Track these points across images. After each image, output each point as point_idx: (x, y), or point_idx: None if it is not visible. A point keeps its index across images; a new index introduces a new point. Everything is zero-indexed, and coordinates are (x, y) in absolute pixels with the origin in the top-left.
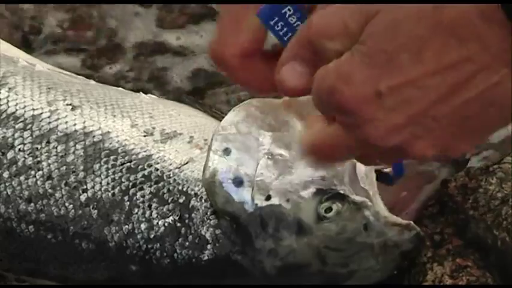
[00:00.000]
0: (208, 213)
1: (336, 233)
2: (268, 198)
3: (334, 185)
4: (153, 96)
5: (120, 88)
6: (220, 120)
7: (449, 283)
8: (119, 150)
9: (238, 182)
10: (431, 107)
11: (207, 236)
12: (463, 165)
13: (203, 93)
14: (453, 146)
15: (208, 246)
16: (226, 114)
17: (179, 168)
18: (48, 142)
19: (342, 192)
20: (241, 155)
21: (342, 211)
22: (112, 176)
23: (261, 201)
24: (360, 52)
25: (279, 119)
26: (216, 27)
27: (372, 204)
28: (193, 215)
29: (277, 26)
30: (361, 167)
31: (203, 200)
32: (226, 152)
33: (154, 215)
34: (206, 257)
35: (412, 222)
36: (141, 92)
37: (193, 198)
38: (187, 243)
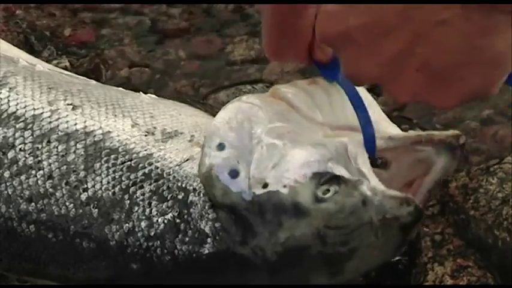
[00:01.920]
0: (207, 207)
1: (335, 211)
2: (265, 186)
3: (329, 167)
4: (153, 96)
5: (120, 88)
6: None
7: (450, 283)
8: (120, 150)
9: (234, 174)
10: None
11: (207, 229)
12: (460, 154)
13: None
14: None
15: (208, 240)
16: None
17: (179, 165)
18: (49, 142)
19: (338, 174)
20: (235, 148)
21: (339, 191)
22: (112, 175)
23: (258, 190)
24: None
25: (270, 111)
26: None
27: (369, 180)
28: (191, 210)
29: None
30: (352, 150)
31: (201, 195)
32: (220, 147)
33: (154, 212)
34: (207, 251)
35: (410, 195)
36: (141, 92)
37: (192, 194)
38: (187, 239)
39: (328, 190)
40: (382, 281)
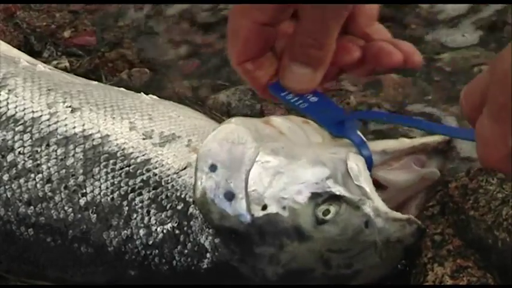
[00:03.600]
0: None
1: (337, 234)
2: (265, 207)
3: (328, 187)
4: (153, 97)
5: (121, 88)
6: (220, 123)
7: (450, 283)
8: (118, 154)
9: (229, 196)
10: None
11: (206, 244)
12: (451, 155)
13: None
14: None
15: (208, 255)
16: (225, 116)
17: (177, 173)
18: (47, 145)
19: (337, 193)
20: (227, 168)
21: (340, 212)
22: (111, 181)
23: (257, 212)
24: (485, 112)
25: (260, 132)
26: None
27: (371, 200)
28: (192, 222)
29: (289, 96)
30: (353, 165)
31: None
32: (212, 168)
33: (152, 221)
34: (205, 265)
35: (412, 216)
36: (142, 93)
37: (192, 206)
38: (186, 251)
39: (329, 210)
40: (382, 281)
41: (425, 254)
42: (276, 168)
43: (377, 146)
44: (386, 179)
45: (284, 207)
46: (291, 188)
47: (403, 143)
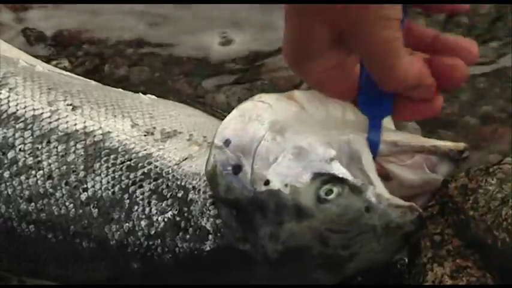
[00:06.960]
0: (207, 204)
1: (338, 214)
2: (267, 183)
3: (332, 169)
4: (152, 96)
5: (120, 89)
6: (221, 119)
7: (450, 283)
8: (119, 150)
9: (237, 170)
10: None
11: (208, 226)
12: (460, 162)
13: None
14: None
15: (209, 237)
16: (226, 113)
17: (178, 164)
18: (48, 142)
19: (340, 176)
20: (240, 144)
21: (343, 194)
22: (112, 175)
23: (259, 186)
24: None
25: (279, 108)
26: None
27: (374, 186)
28: (192, 207)
29: None
30: (356, 148)
31: (201, 193)
32: (226, 143)
33: (154, 211)
34: (208, 248)
35: (414, 204)
36: (140, 93)
37: (192, 192)
38: (188, 236)
39: (331, 191)
40: (382, 281)
41: (425, 254)
42: (283, 146)
43: (389, 135)
44: (395, 173)
45: (286, 185)
46: (295, 167)
47: (416, 139)
